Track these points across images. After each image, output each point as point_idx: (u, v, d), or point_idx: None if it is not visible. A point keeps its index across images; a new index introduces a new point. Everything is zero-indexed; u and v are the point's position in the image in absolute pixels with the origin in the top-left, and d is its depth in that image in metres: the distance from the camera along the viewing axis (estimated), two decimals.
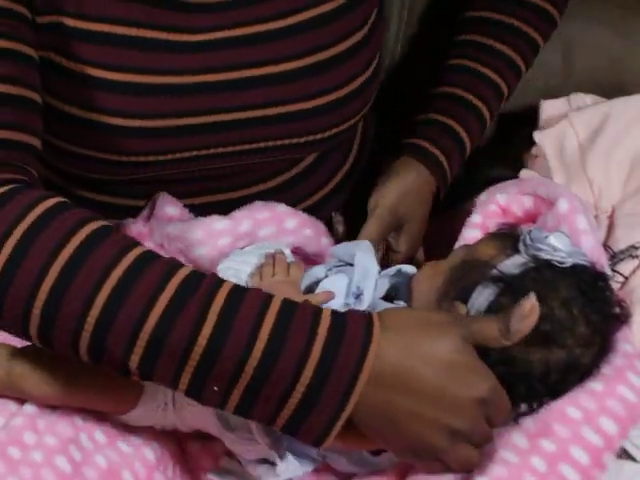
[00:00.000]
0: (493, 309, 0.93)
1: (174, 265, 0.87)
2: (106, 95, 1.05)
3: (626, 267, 1.13)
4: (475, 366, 0.86)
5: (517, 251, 0.96)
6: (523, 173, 1.27)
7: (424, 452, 0.86)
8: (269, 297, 0.86)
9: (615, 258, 1.14)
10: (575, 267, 0.95)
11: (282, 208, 1.17)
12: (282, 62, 1.10)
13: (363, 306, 1.01)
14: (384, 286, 1.06)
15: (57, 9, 1.02)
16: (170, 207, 1.16)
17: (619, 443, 0.92)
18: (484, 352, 0.87)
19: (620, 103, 1.28)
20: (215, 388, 0.84)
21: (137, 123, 1.07)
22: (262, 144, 1.13)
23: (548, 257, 0.95)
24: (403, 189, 1.21)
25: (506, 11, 1.28)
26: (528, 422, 0.92)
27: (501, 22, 1.27)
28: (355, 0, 1.12)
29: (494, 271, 0.95)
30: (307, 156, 1.22)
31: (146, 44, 1.05)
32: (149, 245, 1.14)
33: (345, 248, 1.09)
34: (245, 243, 1.13)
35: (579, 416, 0.92)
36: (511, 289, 0.93)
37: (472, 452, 0.87)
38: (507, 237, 0.99)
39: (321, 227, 1.18)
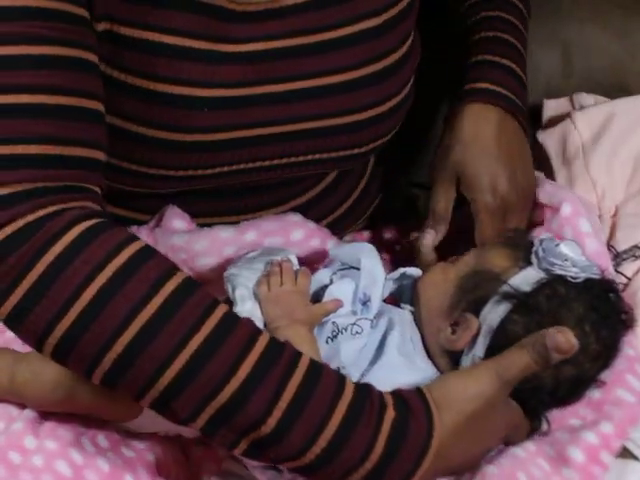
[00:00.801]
0: (506, 325, 0.95)
1: (254, 332, 0.87)
2: (159, 108, 1.03)
3: (629, 268, 1.14)
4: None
5: (529, 263, 0.97)
6: None
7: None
8: (342, 381, 0.87)
9: (618, 258, 1.15)
10: (587, 282, 0.96)
11: (292, 218, 1.15)
12: (334, 74, 1.08)
13: (371, 313, 1.02)
14: (388, 289, 1.06)
15: (111, 16, 0.99)
16: (177, 220, 1.15)
17: (618, 442, 0.94)
18: None
19: (624, 103, 1.29)
20: (273, 465, 0.89)
21: (195, 137, 1.05)
22: (309, 156, 1.12)
23: (562, 272, 0.95)
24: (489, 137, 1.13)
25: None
26: None
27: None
28: (398, 17, 1.11)
29: (506, 287, 0.96)
30: (332, 171, 1.21)
31: (200, 55, 1.03)
32: None
33: (348, 251, 1.08)
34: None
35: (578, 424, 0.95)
36: (525, 306, 0.94)
37: None
38: (519, 247, 0.99)
39: (327, 236, 1.16)
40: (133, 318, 0.84)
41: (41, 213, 0.87)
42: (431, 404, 0.87)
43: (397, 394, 0.88)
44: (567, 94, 1.34)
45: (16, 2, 0.90)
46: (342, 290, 1.03)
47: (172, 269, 0.87)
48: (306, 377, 0.86)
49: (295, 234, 1.13)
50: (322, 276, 1.06)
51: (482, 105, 1.14)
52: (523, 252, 0.98)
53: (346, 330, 1.00)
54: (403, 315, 1.04)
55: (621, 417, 0.95)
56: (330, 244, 1.15)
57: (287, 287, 1.01)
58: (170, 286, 0.85)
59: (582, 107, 1.31)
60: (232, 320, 0.87)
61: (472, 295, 0.97)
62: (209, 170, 1.09)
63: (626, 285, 1.13)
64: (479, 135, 1.12)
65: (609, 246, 1.16)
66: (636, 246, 1.16)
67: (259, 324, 0.98)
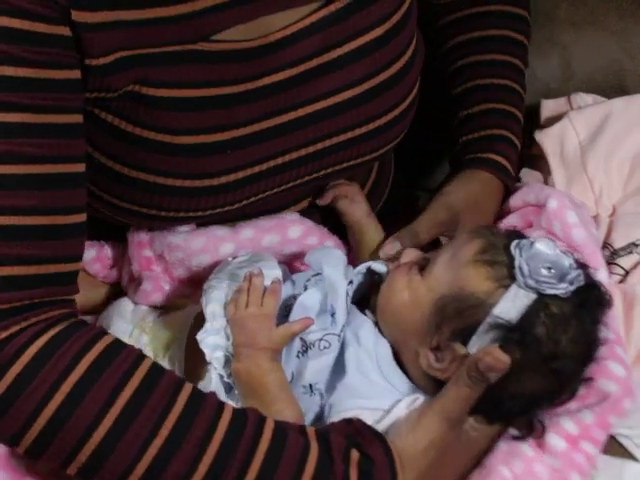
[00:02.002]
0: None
1: (216, 408, 0.90)
2: (184, 159, 1.03)
3: (625, 262, 1.15)
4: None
5: (513, 279, 0.92)
6: (524, 172, 1.28)
7: None
8: (306, 446, 0.89)
9: (615, 255, 1.15)
10: (576, 294, 0.92)
11: (289, 216, 1.15)
12: (342, 91, 1.08)
13: (337, 328, 0.98)
14: (352, 290, 1.03)
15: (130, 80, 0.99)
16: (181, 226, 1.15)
17: (601, 434, 0.95)
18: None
19: (621, 103, 1.29)
20: None
21: (221, 180, 1.05)
22: (322, 172, 1.12)
23: (551, 292, 0.91)
24: (469, 196, 1.15)
25: (492, 25, 1.26)
26: None
27: (493, 36, 1.26)
28: (399, 24, 1.11)
29: (495, 317, 0.91)
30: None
31: (213, 102, 1.02)
32: (147, 254, 1.14)
33: (317, 256, 1.05)
34: (247, 251, 1.11)
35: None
36: (517, 337, 0.91)
37: None
38: (498, 261, 0.93)
39: (325, 233, 1.16)
40: (107, 412, 0.87)
41: (12, 330, 0.89)
42: (398, 471, 0.89)
43: (364, 460, 0.88)
44: (568, 95, 1.34)
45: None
46: (310, 301, 1.00)
47: (138, 360, 0.90)
48: (270, 448, 0.88)
49: (292, 232, 1.13)
50: (298, 281, 1.04)
51: (489, 176, 1.17)
52: (504, 267, 0.93)
53: (314, 345, 0.98)
54: (367, 326, 1.00)
55: (602, 407, 0.95)
56: (328, 243, 1.14)
57: (251, 310, 0.98)
58: (135, 381, 0.89)
59: (580, 107, 1.32)
60: (197, 400, 0.90)
61: (456, 323, 0.93)
62: (235, 205, 1.09)
63: (623, 277, 1.14)
64: (480, 204, 1.15)
65: (606, 244, 1.17)
66: (633, 243, 1.16)
67: (224, 342, 0.99)
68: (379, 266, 1.04)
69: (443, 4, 1.28)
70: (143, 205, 1.06)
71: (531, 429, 0.95)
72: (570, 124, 1.28)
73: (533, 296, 0.91)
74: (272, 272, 1.02)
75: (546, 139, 1.28)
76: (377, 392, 0.96)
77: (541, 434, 0.94)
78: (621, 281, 1.13)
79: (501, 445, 0.94)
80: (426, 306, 0.95)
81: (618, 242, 1.17)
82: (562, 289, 0.91)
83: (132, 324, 1.12)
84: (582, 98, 1.33)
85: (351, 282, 1.02)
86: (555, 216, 1.06)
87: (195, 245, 1.11)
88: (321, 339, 0.98)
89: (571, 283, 0.91)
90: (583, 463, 0.93)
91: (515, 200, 1.14)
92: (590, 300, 0.93)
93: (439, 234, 1.13)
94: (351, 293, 1.01)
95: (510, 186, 1.17)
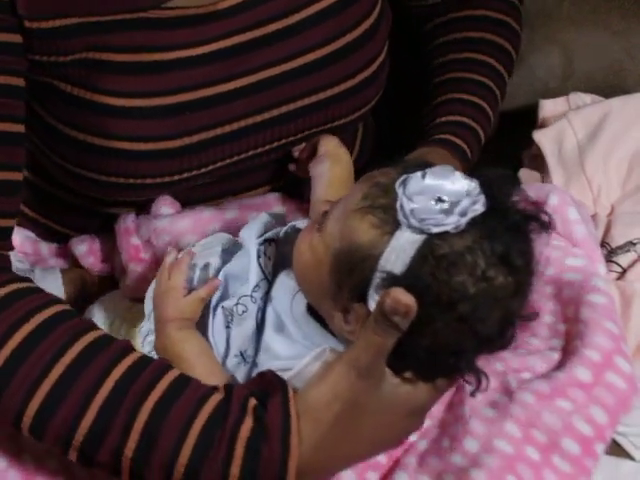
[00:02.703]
0: None
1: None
2: (129, 121, 1.05)
3: (623, 260, 1.14)
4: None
5: (398, 224, 0.82)
6: (522, 172, 1.28)
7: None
8: (205, 398, 0.85)
9: (613, 253, 1.15)
10: (481, 223, 0.81)
11: (272, 196, 1.16)
12: (304, 54, 1.10)
13: (248, 289, 0.95)
14: (273, 250, 0.99)
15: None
16: (166, 208, 1.15)
17: (610, 432, 0.93)
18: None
19: (619, 102, 1.28)
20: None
21: (167, 145, 1.07)
22: (291, 139, 1.13)
23: (439, 230, 0.80)
24: None
25: (480, 29, 1.28)
26: (518, 410, 0.92)
27: (482, 39, 1.27)
28: None
29: (381, 271, 0.82)
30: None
31: (170, 65, 1.05)
32: (135, 242, 1.13)
33: (247, 226, 1.01)
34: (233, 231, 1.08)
35: (570, 407, 0.92)
36: (411, 288, 0.80)
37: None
38: (382, 204, 0.84)
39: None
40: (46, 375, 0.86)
41: None
42: (292, 420, 0.83)
43: (260, 407, 0.84)
44: (566, 95, 1.33)
45: None
46: (235, 269, 0.97)
47: (83, 329, 0.89)
48: (166, 393, 0.85)
49: (277, 211, 1.12)
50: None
51: (446, 153, 1.16)
52: (390, 210, 0.83)
53: (234, 312, 0.95)
54: (286, 285, 0.95)
55: (613, 404, 0.93)
56: None
57: (162, 286, 0.97)
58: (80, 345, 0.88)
59: (578, 107, 1.31)
60: (139, 366, 0.87)
61: (351, 281, 0.85)
62: (202, 169, 1.10)
63: (620, 274, 1.13)
64: None
65: (604, 242, 1.16)
66: (631, 242, 1.15)
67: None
68: (302, 224, 0.98)
69: (432, 4, 1.29)
70: (111, 174, 1.07)
71: (479, 382, 0.86)
72: (568, 124, 1.27)
73: (419, 238, 0.81)
74: (212, 250, 1.01)
75: (544, 139, 1.28)
76: (295, 352, 0.91)
77: (486, 387, 0.86)
78: (619, 278, 1.13)
79: (504, 447, 0.90)
80: (325, 265, 0.88)
81: (616, 241, 1.16)
82: (451, 224, 0.80)
83: (114, 313, 1.11)
84: (580, 98, 1.33)
85: (272, 242, 0.98)
86: (556, 212, 1.04)
87: (181, 227, 1.11)
88: (237, 304, 0.95)
89: (463, 214, 0.80)
90: (592, 467, 0.91)
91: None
92: (501, 227, 0.82)
93: None
94: (270, 253, 0.97)
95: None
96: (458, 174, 0.83)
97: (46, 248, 1.24)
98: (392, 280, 0.81)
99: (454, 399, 0.96)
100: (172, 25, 1.04)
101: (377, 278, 0.82)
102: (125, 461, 0.85)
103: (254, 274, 0.96)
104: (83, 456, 0.86)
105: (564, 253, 1.03)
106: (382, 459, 0.93)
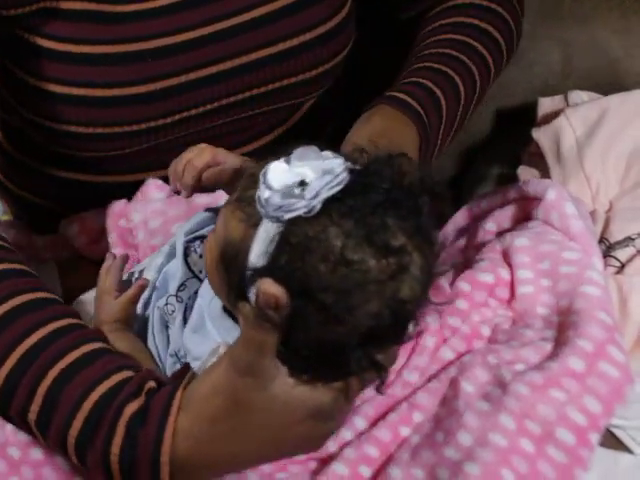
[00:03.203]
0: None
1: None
2: (87, 68, 1.08)
3: (621, 255, 1.13)
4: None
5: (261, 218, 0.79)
6: (521, 170, 1.29)
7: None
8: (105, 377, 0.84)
9: (611, 249, 1.15)
10: (336, 203, 0.77)
11: None
12: (255, 8, 1.12)
13: (174, 288, 0.94)
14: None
15: None
16: (156, 192, 1.15)
17: (605, 421, 0.92)
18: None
19: (617, 99, 1.28)
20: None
21: (123, 92, 1.09)
22: (255, 90, 1.15)
23: (289, 216, 0.76)
24: (373, 132, 1.04)
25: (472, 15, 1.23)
26: (512, 402, 0.91)
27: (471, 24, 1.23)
28: None
29: (250, 265, 0.79)
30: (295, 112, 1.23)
31: (118, 17, 1.08)
32: (123, 224, 1.14)
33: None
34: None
35: (563, 397, 0.91)
36: (278, 281, 0.76)
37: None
38: (249, 199, 0.81)
39: None
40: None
41: None
42: (172, 409, 0.81)
43: (153, 392, 0.83)
44: (565, 93, 1.34)
45: None
46: (173, 268, 0.96)
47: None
48: (72, 364, 0.84)
49: None
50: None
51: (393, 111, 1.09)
52: (253, 202, 0.79)
53: (166, 313, 0.94)
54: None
55: (607, 393, 0.92)
56: None
57: (98, 290, 0.96)
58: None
59: (576, 105, 1.31)
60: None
61: (231, 278, 0.82)
62: (159, 120, 1.12)
63: (619, 269, 1.12)
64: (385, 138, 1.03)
65: (602, 239, 1.16)
66: (629, 237, 1.15)
67: None
68: None
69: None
70: (71, 123, 1.09)
71: (382, 382, 0.82)
72: (567, 121, 1.27)
73: (277, 227, 0.77)
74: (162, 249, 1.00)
75: (543, 136, 1.28)
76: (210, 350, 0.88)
77: (382, 388, 0.83)
78: (617, 272, 1.12)
79: (498, 440, 0.89)
80: (215, 264, 0.85)
81: (615, 237, 1.16)
82: (302, 208, 0.76)
83: None
84: (579, 96, 1.33)
85: (201, 239, 0.96)
86: (553, 207, 1.05)
87: (173, 212, 1.11)
88: (166, 304, 0.94)
89: (315, 197, 0.76)
90: (587, 457, 0.89)
91: (512, 193, 1.12)
92: (367, 206, 0.77)
93: None
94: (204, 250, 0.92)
95: (420, 132, 1.08)
96: (325, 154, 0.79)
97: (41, 241, 1.24)
98: (260, 273, 0.77)
99: (448, 394, 0.95)
100: None
101: (248, 274, 0.79)
102: (30, 423, 0.85)
103: (180, 272, 0.95)
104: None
105: (560, 247, 1.03)
106: (374, 453, 0.92)
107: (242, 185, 0.83)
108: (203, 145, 0.95)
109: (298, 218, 0.77)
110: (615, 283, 1.08)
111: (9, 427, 0.94)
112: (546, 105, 1.33)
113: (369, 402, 0.96)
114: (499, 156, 1.39)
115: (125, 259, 0.98)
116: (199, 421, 0.81)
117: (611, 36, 1.36)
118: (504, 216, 1.10)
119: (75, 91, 1.08)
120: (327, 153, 0.79)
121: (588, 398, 0.91)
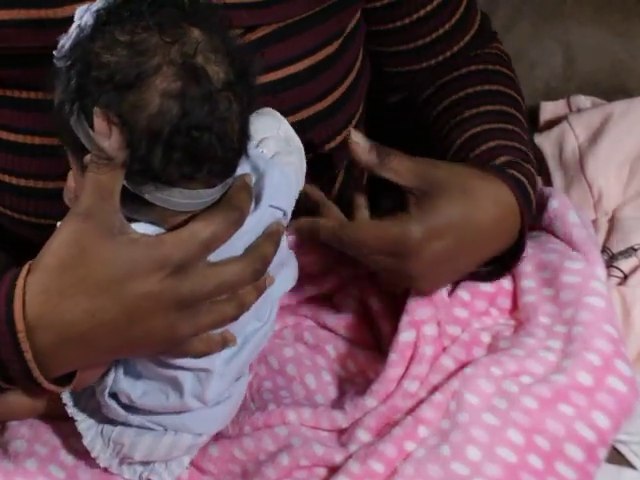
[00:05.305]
0: None
1: None
2: None
3: (624, 265, 1.14)
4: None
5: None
6: None
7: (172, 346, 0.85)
8: None
9: (614, 259, 1.15)
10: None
11: None
12: None
13: None
14: None
15: None
16: None
17: (612, 436, 0.92)
18: None
19: (620, 105, 1.28)
20: None
21: None
22: None
23: (70, 41, 0.80)
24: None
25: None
26: (520, 416, 0.91)
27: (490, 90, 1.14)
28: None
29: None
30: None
31: None
32: None
33: None
34: None
35: (572, 412, 0.91)
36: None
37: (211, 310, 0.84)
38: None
39: None
40: None
41: None
42: (23, 270, 0.83)
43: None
44: (567, 95, 1.34)
45: None
46: None
47: None
48: None
49: None
50: None
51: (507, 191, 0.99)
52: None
53: None
54: None
55: (615, 408, 0.92)
56: None
57: None
58: None
59: (579, 109, 1.31)
60: None
61: (67, 137, 0.83)
62: None
63: (622, 280, 1.13)
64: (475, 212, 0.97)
65: (605, 248, 1.16)
66: (632, 248, 1.15)
67: None
68: None
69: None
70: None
71: None
72: (569, 127, 1.27)
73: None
74: None
75: (545, 142, 1.28)
76: None
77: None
78: (620, 284, 1.12)
79: (507, 455, 0.89)
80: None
81: (617, 247, 1.16)
82: (74, 30, 0.81)
83: None
84: (581, 100, 1.33)
85: None
86: (556, 215, 1.05)
87: None
88: None
89: (80, 17, 0.80)
90: (594, 473, 0.90)
91: None
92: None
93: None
94: None
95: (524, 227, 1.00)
96: None
97: None
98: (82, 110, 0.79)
99: (451, 406, 0.94)
100: None
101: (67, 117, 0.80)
102: None
103: None
104: None
105: (562, 256, 1.02)
106: (380, 468, 0.92)
107: None
108: None
109: (78, 44, 0.80)
110: (618, 294, 1.08)
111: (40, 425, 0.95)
112: (548, 109, 1.33)
113: (370, 413, 0.96)
114: None
115: None
116: (47, 273, 0.81)
117: (613, 38, 1.37)
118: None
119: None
120: None
121: (597, 413, 0.91)
